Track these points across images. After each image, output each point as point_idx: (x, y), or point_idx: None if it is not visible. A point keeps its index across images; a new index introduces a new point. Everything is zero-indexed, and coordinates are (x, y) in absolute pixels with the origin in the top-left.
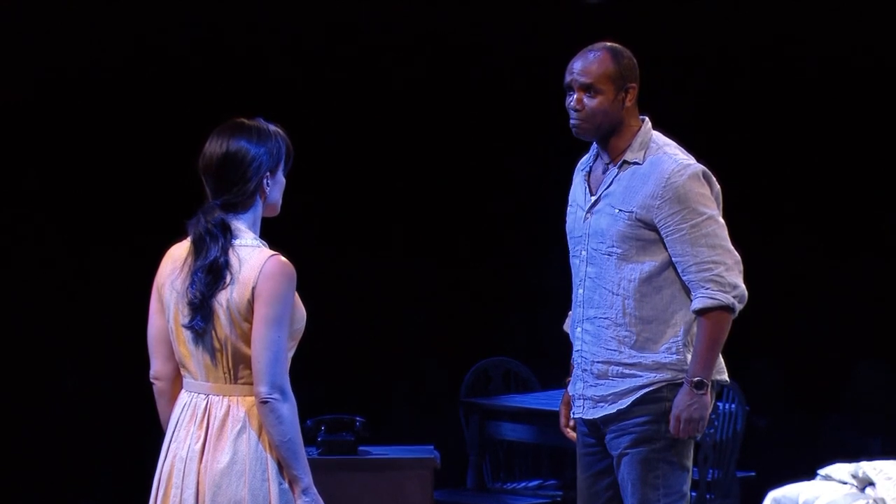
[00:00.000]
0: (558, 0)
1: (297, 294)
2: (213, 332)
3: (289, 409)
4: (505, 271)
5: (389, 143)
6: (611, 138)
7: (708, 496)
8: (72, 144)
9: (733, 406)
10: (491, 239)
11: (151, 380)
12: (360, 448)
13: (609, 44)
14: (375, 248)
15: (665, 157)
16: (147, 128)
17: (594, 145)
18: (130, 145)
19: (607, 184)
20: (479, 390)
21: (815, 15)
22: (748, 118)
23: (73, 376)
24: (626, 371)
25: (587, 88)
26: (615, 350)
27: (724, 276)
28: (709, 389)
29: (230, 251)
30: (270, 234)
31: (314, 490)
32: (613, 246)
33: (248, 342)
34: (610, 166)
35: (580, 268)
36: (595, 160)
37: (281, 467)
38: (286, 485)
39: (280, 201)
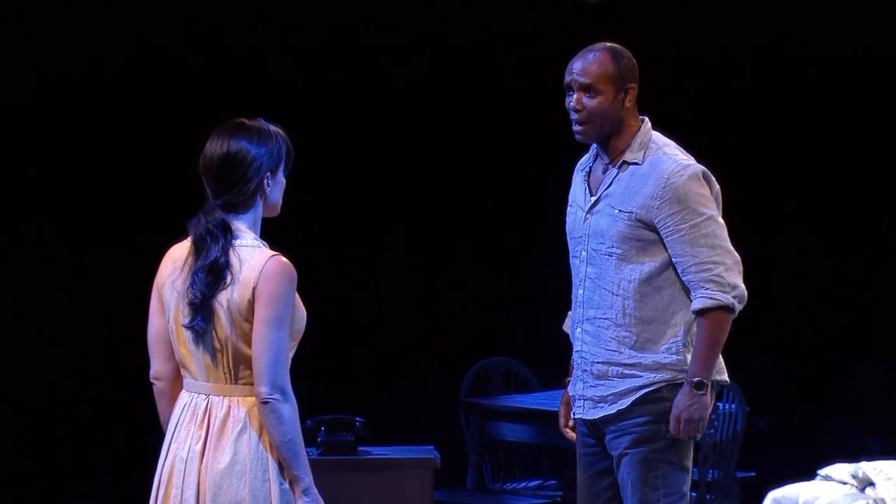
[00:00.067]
0: (558, 0)
1: (297, 294)
2: (214, 333)
3: (289, 410)
4: (505, 271)
5: (389, 144)
6: (610, 139)
7: (708, 496)
8: (72, 144)
9: (733, 406)
10: (491, 239)
11: (151, 380)
12: (360, 448)
13: (609, 44)
14: (375, 248)
15: (665, 157)
16: (147, 128)
17: (594, 145)
18: (130, 145)
19: (607, 184)
20: (479, 390)
21: (815, 15)
22: (748, 118)
23: (73, 376)
24: (626, 371)
25: (587, 89)
26: (615, 350)
27: (724, 277)
28: (709, 390)
29: (231, 251)
30: (270, 234)
31: (315, 490)
32: (613, 246)
33: (248, 342)
34: (610, 167)
35: (580, 268)
36: (595, 160)
37: (282, 467)
38: (287, 485)
39: (280, 201)
